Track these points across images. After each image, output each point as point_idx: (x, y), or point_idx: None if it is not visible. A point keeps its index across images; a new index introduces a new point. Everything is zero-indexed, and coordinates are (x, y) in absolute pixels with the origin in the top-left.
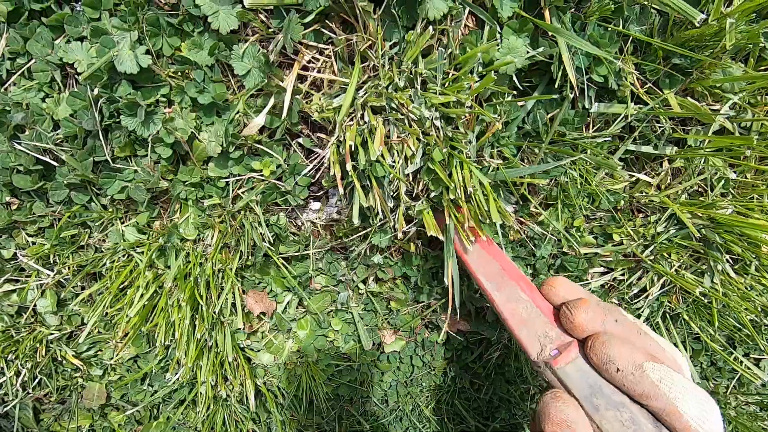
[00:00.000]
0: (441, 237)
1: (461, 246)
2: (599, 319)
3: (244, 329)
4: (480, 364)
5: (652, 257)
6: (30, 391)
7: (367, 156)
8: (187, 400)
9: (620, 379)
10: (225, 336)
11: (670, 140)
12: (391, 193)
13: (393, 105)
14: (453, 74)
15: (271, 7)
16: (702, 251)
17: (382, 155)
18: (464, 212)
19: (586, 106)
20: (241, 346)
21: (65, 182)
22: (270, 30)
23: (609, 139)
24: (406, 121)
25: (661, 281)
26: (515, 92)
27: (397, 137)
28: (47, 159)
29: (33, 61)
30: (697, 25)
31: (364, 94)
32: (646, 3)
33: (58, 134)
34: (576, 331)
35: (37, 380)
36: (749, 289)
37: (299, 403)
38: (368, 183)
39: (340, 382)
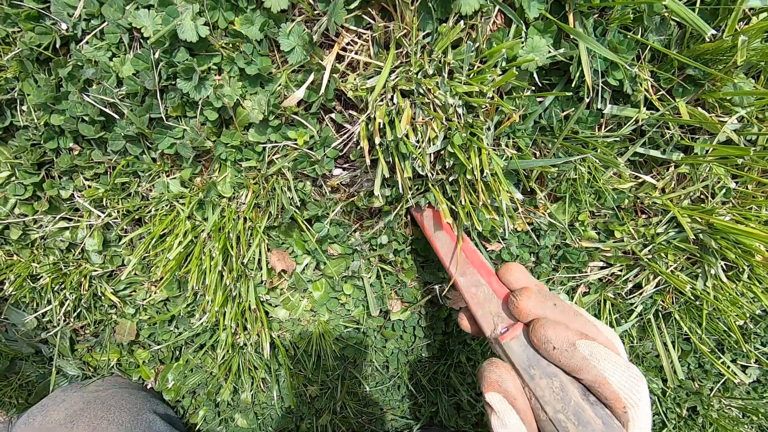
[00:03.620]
0: (449, 220)
1: (432, 233)
2: (540, 305)
3: (265, 284)
4: (477, 341)
5: (650, 256)
6: (70, 321)
7: (393, 134)
8: (207, 345)
9: (556, 356)
10: (249, 287)
11: (677, 146)
12: (417, 169)
13: (421, 90)
14: (478, 66)
15: None
16: (698, 255)
17: (407, 135)
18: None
19: (600, 107)
20: (262, 299)
21: (123, 134)
22: (315, 12)
23: (619, 140)
24: (431, 106)
25: (656, 280)
26: (534, 88)
27: (422, 120)
28: (110, 111)
29: (105, 23)
30: (708, 39)
31: (396, 77)
32: (666, 15)
33: (121, 90)
34: (521, 316)
35: (77, 312)
36: (740, 295)
37: (308, 359)
38: (391, 159)
39: (346, 343)
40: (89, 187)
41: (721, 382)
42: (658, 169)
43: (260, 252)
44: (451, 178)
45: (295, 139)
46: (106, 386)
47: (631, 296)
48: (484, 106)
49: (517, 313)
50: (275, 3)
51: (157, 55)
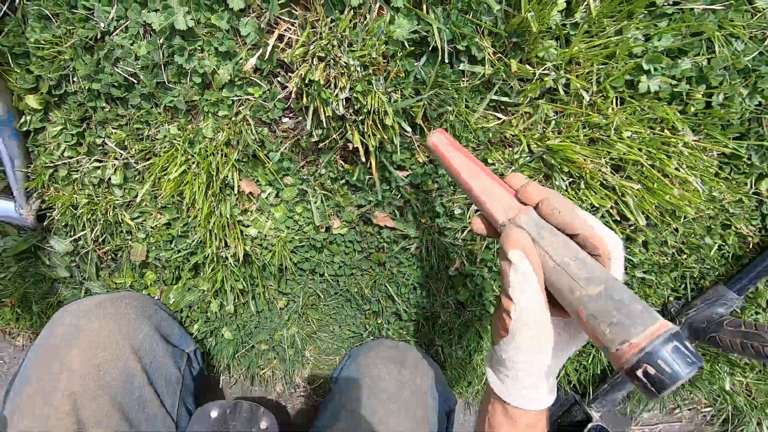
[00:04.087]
0: (361, 148)
1: (443, 150)
2: (546, 191)
3: (238, 206)
4: (403, 255)
5: None
6: (96, 248)
7: (314, 85)
8: (199, 263)
9: (561, 218)
10: (227, 206)
11: (519, 92)
12: (336, 111)
13: (330, 56)
14: (367, 39)
15: None
16: (548, 172)
17: (325, 85)
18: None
19: (455, 66)
20: (237, 219)
21: (139, 93)
22: (263, 9)
23: (479, 89)
24: (339, 66)
25: None
26: (407, 53)
27: (334, 75)
28: (131, 79)
29: (128, 21)
30: (496, 11)
31: (314, 48)
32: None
33: (138, 64)
34: (531, 199)
35: (102, 238)
36: (580, 201)
37: (277, 271)
38: (317, 104)
39: (303, 257)
40: (114, 133)
41: None
42: (511, 110)
43: (233, 177)
44: (361, 118)
45: (253, 94)
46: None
47: None
48: (375, 65)
49: (527, 197)
50: (236, 3)
51: (161, 41)
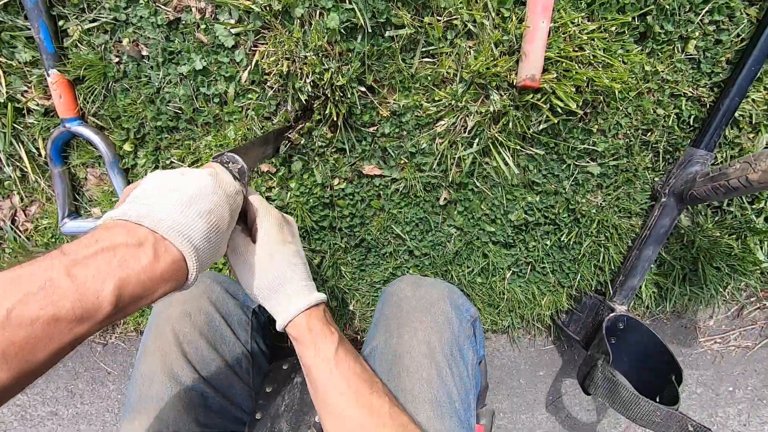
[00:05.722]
0: (336, 117)
1: None
2: None
3: (262, 183)
4: (397, 196)
5: (462, 104)
6: None
7: (289, 77)
8: None
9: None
10: (253, 185)
11: (438, 39)
12: (309, 90)
13: (293, 55)
14: (313, 34)
15: None
16: (485, 92)
17: (294, 76)
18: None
19: (384, 34)
20: (266, 196)
21: (184, 120)
22: (246, 41)
23: (409, 47)
24: (299, 60)
25: (474, 121)
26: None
27: (299, 67)
28: (178, 111)
29: (170, 75)
30: None
31: (280, 53)
32: None
33: (179, 100)
34: None
35: None
36: (517, 106)
37: (305, 233)
38: (292, 91)
39: (319, 215)
40: (176, 152)
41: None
42: (438, 54)
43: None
44: (330, 94)
45: (252, 98)
46: None
47: (467, 133)
48: (324, 51)
49: None
50: (229, 42)
51: (190, 81)
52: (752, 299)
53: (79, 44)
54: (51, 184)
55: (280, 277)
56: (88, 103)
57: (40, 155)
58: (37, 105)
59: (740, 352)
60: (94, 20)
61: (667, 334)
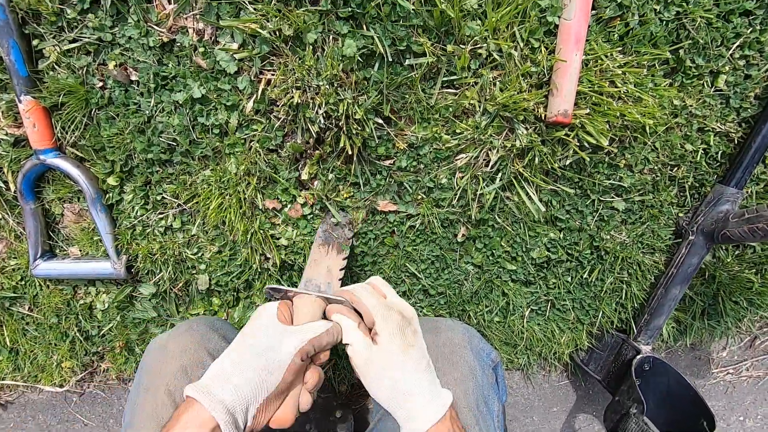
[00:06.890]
0: (350, 150)
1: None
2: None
3: (267, 221)
4: (412, 233)
5: (486, 136)
6: (172, 287)
7: (300, 107)
8: (248, 278)
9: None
10: (256, 222)
11: (462, 68)
12: (322, 121)
13: (304, 84)
14: (327, 62)
15: None
16: (509, 125)
17: (305, 106)
18: None
19: (404, 62)
20: (270, 234)
21: (179, 152)
22: (250, 66)
23: (429, 76)
24: (312, 90)
25: (497, 155)
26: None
27: (311, 97)
28: (172, 143)
29: (163, 103)
30: (420, 12)
31: (290, 81)
32: None
33: (174, 131)
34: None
35: (175, 277)
36: (544, 141)
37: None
38: (304, 123)
39: None
40: (168, 187)
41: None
42: (461, 85)
43: (257, 196)
44: (343, 125)
45: (257, 129)
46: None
47: (489, 168)
48: (339, 80)
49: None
50: (231, 68)
51: (186, 110)
52: (765, 329)
53: (57, 67)
54: (21, 220)
55: (406, 393)
56: (66, 132)
57: (8, 189)
58: (6, 135)
59: (752, 382)
60: (74, 40)
61: (681, 366)
